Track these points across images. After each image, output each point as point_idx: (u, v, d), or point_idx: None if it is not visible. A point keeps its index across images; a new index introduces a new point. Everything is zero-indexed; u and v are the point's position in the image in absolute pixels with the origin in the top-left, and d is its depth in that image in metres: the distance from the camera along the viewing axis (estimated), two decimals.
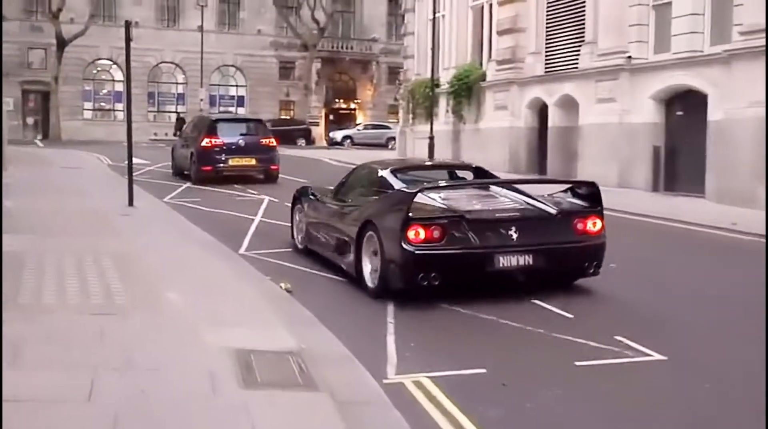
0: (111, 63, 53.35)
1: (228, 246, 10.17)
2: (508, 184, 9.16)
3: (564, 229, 8.06)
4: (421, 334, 6.63)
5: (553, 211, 8.14)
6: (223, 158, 20.38)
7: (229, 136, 20.82)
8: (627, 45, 19.77)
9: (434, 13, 28.06)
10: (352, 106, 60.29)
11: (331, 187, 10.36)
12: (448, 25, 28.34)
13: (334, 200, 9.72)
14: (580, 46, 21.76)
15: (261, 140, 21.26)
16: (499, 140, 24.69)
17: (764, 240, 11.55)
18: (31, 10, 52.66)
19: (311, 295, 7.84)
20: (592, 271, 8.24)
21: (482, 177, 9.84)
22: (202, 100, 52.55)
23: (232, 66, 56.91)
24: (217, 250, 9.80)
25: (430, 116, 25.96)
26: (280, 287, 7.84)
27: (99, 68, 54.25)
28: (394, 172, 9.21)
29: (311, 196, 10.44)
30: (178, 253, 9.19)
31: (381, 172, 9.23)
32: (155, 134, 51.15)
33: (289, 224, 11.06)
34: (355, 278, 8.39)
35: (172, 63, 55.48)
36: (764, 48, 15.19)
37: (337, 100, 59.41)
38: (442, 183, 9.08)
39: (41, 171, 20.48)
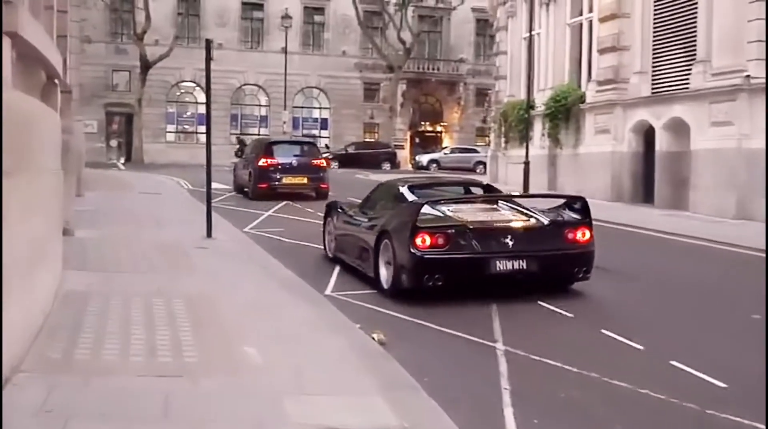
0: (194, 85, 53.72)
1: (313, 286, 9.38)
2: (508, 199, 10.65)
3: (555, 238, 9.43)
4: (543, 406, 5.61)
5: (545, 222, 9.52)
6: (277, 177, 23.19)
7: (283, 156, 23.71)
8: (745, 63, 18.43)
9: (530, 31, 27.08)
10: (438, 128, 59.58)
11: (359, 201, 12.10)
12: (544, 44, 27.34)
13: (360, 213, 11.28)
14: (691, 64, 20.47)
15: (312, 161, 23.96)
16: (600, 166, 23.49)
17: None
18: (117, 33, 53.46)
19: (408, 348, 6.96)
20: (581, 276, 9.58)
21: (490, 193, 11.46)
22: (285, 122, 52.44)
23: (316, 88, 56.83)
24: (301, 291, 8.99)
25: (525, 140, 24.94)
26: (373, 339, 7.00)
27: (182, 90, 54.74)
28: (411, 188, 10.76)
29: (339, 210, 11.96)
30: (258, 296, 8.40)
31: (400, 188, 10.78)
32: None
33: (323, 236, 12.46)
34: (373, 279, 9.88)
35: (255, 85, 55.65)
36: None
37: (422, 123, 58.74)
38: (447, 197, 10.79)
39: (119, 196, 20.17)
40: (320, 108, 57.57)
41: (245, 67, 54.44)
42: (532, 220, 9.60)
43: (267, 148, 24.02)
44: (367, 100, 57.45)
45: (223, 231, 13.90)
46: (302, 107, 57.09)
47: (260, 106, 56.51)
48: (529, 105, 25.65)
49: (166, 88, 53.72)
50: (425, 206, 9.38)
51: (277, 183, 23.08)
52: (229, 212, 18.45)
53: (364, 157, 49.03)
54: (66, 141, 11.44)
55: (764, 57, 18.08)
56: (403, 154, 54.92)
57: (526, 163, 24.31)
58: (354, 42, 56.73)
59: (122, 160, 50.60)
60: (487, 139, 58.09)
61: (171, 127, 54.74)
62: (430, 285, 9.01)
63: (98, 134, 51.68)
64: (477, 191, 11.62)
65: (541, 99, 27.00)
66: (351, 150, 50.93)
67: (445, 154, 52.32)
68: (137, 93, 49.97)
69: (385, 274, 9.64)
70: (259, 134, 53.79)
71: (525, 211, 9.95)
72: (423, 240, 9.00)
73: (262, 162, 23.24)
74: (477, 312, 8.41)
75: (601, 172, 23.44)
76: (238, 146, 45.88)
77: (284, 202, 21.18)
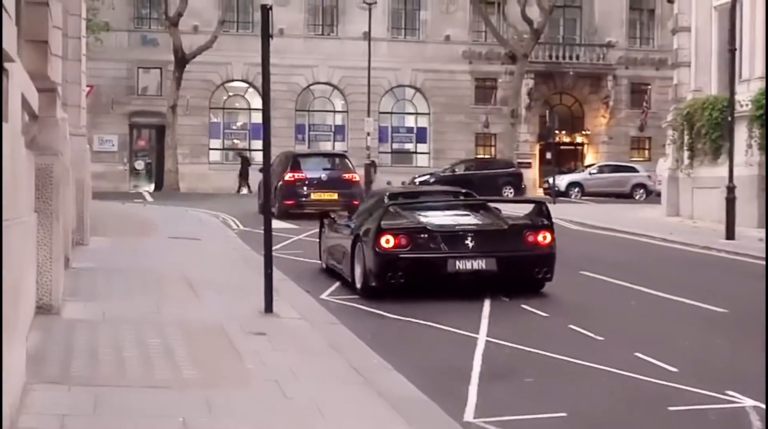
0: (246, 86, 53.25)
1: (442, 404, 7.49)
2: (479, 204, 15.00)
3: (515, 240, 13.24)
4: None
5: (504, 226, 13.50)
6: (305, 192, 27.93)
7: (312, 170, 28.83)
8: None
9: None
10: (579, 139, 57.67)
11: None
12: (750, 14, 25.47)
13: (348, 221, 15.22)
14: None
15: (343, 175, 28.97)
16: None
17: None
18: (143, 17, 53.07)
19: None
20: (541, 276, 13.27)
21: (484, 202, 15.58)
22: (369, 134, 51.17)
23: (410, 86, 55.89)
24: (423, 416, 7.07)
25: (729, 154, 22.71)
26: None
27: (231, 93, 54.25)
28: (392, 195, 15.19)
29: (331, 219, 16.18)
30: None
31: (384, 196, 15.07)
32: None
33: (318, 248, 16.82)
34: (350, 282, 13.89)
35: (328, 84, 54.95)
36: None
37: (556, 132, 56.64)
38: (415, 201, 14.99)
39: (138, 244, 18.52)
40: (416, 114, 56.52)
41: (315, 60, 53.55)
42: (492, 224, 13.72)
43: (294, 161, 29.10)
44: (479, 103, 56.16)
45: (291, 300, 12.04)
46: (392, 113, 56.15)
47: (335, 112, 55.68)
48: (731, 102, 23.42)
49: (209, 91, 53.11)
50: (394, 211, 13.63)
51: (304, 199, 27.83)
52: (297, 266, 16.75)
53: (478, 179, 46.95)
54: (46, 168, 9.75)
55: None
56: (531, 175, 53.16)
57: (731, 189, 21.97)
58: (461, 24, 55.53)
59: (149, 189, 49.89)
60: (645, 152, 56.28)
61: (215, 143, 54.07)
62: (392, 282, 12.85)
63: (120, 153, 51.33)
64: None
65: (745, 94, 25.05)
66: (459, 170, 49.23)
67: (590, 174, 50.79)
68: (171, 97, 49.11)
69: (358, 274, 13.47)
70: (333, 150, 52.81)
71: (492, 216, 14.19)
72: (387, 240, 12.82)
73: (288, 176, 27.80)
74: None
75: None
76: (241, 164, 49.64)
77: None
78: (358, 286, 13.37)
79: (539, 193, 50.98)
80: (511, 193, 47.71)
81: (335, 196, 27.46)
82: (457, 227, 13.29)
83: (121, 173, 50.79)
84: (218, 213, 29.46)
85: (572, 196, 47.27)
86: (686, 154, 28.19)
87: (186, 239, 19.90)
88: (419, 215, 13.64)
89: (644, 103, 55.72)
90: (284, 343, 9.32)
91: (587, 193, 47.97)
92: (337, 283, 14.74)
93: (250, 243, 19.10)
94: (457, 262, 12.86)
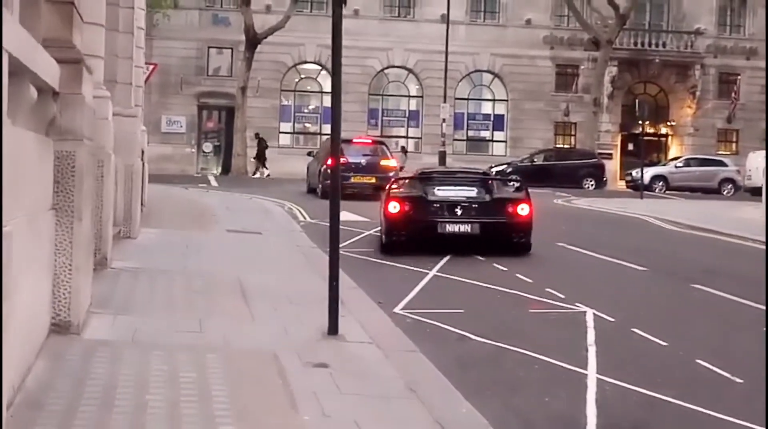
0: (319, 68, 52.22)
1: None
2: (481, 179, 19.20)
3: (497, 210, 17.00)
4: None
5: (488, 198, 17.32)
6: (347, 175, 28.79)
7: (353, 156, 31.11)
8: None
9: None
10: (663, 130, 55.97)
11: None
12: None
13: None
14: None
15: (381, 161, 32.38)
16: None
17: None
18: None
19: None
20: (516, 240, 16.96)
21: (485, 179, 19.36)
22: (444, 120, 49.87)
23: (488, 72, 54.58)
24: None
25: None
26: None
27: (303, 75, 53.33)
28: (422, 173, 19.92)
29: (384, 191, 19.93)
30: None
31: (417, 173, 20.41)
32: None
33: None
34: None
35: (403, 68, 53.97)
36: None
37: (639, 122, 54.69)
38: (430, 176, 19.37)
39: (192, 238, 16.76)
40: (494, 100, 55.20)
41: (389, 43, 52.53)
42: (479, 196, 17.29)
43: None
44: (560, 90, 54.85)
45: (360, 316, 10.15)
46: (468, 99, 54.88)
47: (410, 97, 54.64)
48: None
49: (281, 72, 52.11)
50: (410, 183, 18.53)
51: (346, 182, 27.85)
52: (366, 268, 15.07)
53: (558, 171, 45.77)
54: (67, 156, 8.06)
55: None
56: (612, 167, 51.43)
57: None
58: (543, 8, 54.31)
59: (216, 172, 48.83)
60: (733, 145, 54.03)
61: (286, 126, 53.02)
62: (394, 239, 16.92)
63: (188, 135, 50.42)
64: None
65: None
66: (539, 160, 47.66)
67: (676, 166, 48.69)
68: (241, 79, 47.79)
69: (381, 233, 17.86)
70: (407, 136, 51.85)
71: (482, 189, 17.68)
72: (394, 206, 16.78)
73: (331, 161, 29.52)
74: None
75: None
76: (258, 146, 48.50)
77: (447, 257, 16.65)
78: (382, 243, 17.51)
79: (620, 185, 48.94)
80: (592, 185, 45.81)
81: (373, 180, 29.99)
82: (451, 198, 17.06)
83: (188, 155, 50.05)
84: (285, 203, 28.11)
85: (656, 190, 45.08)
86: None
87: (246, 233, 18.22)
88: (432, 188, 17.55)
89: (733, 94, 53.84)
90: (350, 382, 7.45)
91: (672, 188, 45.99)
92: (413, 293, 12.85)
93: (316, 239, 17.35)
94: (447, 226, 16.68)
